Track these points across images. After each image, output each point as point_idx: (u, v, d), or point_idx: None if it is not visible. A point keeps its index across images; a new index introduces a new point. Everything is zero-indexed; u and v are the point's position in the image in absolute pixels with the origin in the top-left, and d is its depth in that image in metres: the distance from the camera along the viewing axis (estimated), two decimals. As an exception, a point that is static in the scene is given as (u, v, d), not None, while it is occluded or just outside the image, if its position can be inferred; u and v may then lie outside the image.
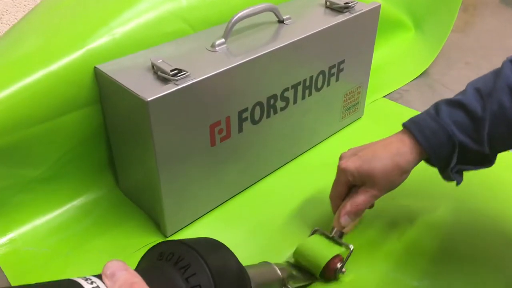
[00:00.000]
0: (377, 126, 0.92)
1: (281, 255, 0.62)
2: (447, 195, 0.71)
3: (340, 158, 0.62)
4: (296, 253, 0.60)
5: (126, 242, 0.65)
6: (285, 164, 0.80)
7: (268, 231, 0.67)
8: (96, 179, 0.71)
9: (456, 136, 0.54)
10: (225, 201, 0.73)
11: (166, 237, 0.66)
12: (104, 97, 0.63)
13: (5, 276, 0.59)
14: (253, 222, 0.69)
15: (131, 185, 0.71)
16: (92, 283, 0.30)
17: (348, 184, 0.60)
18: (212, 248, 0.40)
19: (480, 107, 0.53)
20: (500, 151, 0.55)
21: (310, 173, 0.79)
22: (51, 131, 0.61)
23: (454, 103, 0.55)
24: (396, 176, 0.57)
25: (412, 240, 0.65)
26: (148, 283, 0.31)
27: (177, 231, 0.67)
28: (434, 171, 0.58)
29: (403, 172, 0.57)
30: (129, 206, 0.71)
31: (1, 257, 0.62)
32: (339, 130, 0.89)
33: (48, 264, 0.62)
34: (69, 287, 0.29)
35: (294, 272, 0.57)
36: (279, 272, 0.52)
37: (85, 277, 0.30)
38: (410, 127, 0.57)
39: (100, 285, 0.30)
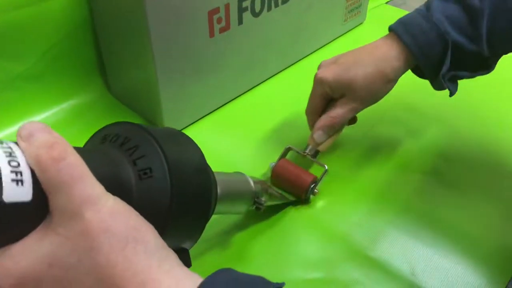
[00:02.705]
0: (380, 31, 0.84)
1: (269, 158, 0.58)
2: (434, 118, 0.66)
3: (319, 67, 0.54)
4: (272, 176, 0.55)
5: (122, 143, 0.61)
6: (285, 69, 0.76)
7: (264, 137, 0.64)
8: (86, 81, 0.67)
9: (448, 34, 0.47)
10: (224, 105, 0.69)
11: (165, 138, 0.63)
12: (91, -16, 0.58)
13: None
14: (250, 128, 0.65)
15: (124, 88, 0.67)
16: (1, 142, 0.24)
17: (326, 96, 0.53)
18: (171, 136, 0.33)
19: None
20: (500, 54, 0.48)
21: (310, 79, 0.75)
22: (34, 18, 0.56)
23: None
24: (380, 86, 0.50)
25: (394, 169, 0.59)
26: (85, 160, 0.25)
27: (176, 133, 0.64)
28: (420, 91, 0.52)
29: (388, 80, 0.50)
30: (123, 110, 0.67)
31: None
32: (341, 35, 0.84)
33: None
34: None
35: (271, 190, 0.51)
36: (252, 184, 0.46)
37: None
38: (397, 28, 0.49)
39: (12, 147, 0.24)
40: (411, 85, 0.56)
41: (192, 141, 0.35)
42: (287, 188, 0.54)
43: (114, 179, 0.28)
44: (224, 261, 0.49)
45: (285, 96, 0.71)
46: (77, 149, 0.26)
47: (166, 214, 0.29)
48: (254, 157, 0.61)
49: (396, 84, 0.51)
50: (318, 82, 0.53)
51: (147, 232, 0.26)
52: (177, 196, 0.30)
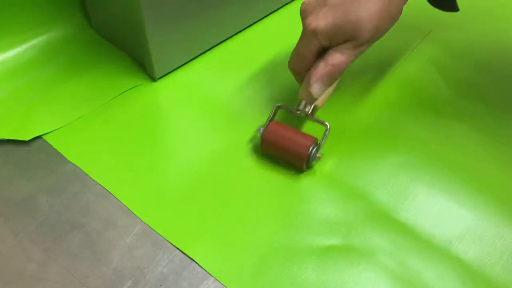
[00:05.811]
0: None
1: (272, 105, 0.49)
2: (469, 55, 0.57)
3: (303, 13, 0.43)
4: (262, 145, 0.46)
5: (106, 84, 0.53)
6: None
7: (267, 78, 0.54)
8: (61, 12, 0.57)
9: None
10: (223, 41, 0.59)
11: (155, 80, 0.54)
12: None
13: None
14: (251, 68, 0.56)
15: (106, 19, 0.57)
16: None
17: (321, 49, 0.42)
18: None
19: None
20: None
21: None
22: None
23: None
24: (389, 21, 0.41)
25: (422, 115, 0.50)
26: None
27: (167, 74, 0.55)
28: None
29: (396, 13, 0.41)
30: (106, 46, 0.58)
31: None
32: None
33: (8, 111, 0.49)
34: None
35: None
36: None
37: None
38: None
39: None
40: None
41: None
42: (282, 158, 0.45)
43: None
44: (228, 229, 0.41)
45: (292, 31, 0.61)
46: None
47: None
48: (256, 102, 0.52)
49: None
50: (310, 35, 0.41)
51: None
52: None
